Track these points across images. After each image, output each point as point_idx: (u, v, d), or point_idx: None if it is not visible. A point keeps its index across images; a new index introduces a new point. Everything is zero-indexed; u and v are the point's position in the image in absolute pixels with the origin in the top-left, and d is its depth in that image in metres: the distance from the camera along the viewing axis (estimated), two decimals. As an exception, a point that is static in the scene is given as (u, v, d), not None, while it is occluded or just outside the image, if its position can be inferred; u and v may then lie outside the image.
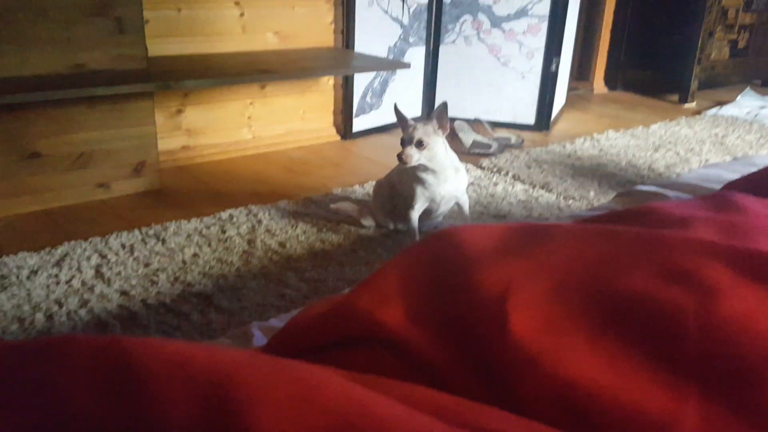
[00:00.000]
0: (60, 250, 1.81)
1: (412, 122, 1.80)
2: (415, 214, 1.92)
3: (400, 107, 1.84)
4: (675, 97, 4.23)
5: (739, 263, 0.64)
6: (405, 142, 1.78)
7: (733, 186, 1.19)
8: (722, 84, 4.55)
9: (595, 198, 2.37)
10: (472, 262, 0.67)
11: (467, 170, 2.62)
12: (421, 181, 1.87)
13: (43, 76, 2.02)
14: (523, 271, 0.65)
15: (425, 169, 1.83)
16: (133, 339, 0.44)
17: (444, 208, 1.98)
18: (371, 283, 0.68)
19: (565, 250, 0.70)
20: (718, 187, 1.43)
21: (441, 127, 1.80)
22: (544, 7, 3.16)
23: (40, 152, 2.08)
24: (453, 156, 1.89)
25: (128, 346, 0.42)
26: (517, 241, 0.73)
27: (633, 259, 0.67)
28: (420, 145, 1.76)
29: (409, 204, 1.91)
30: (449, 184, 1.88)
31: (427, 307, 0.63)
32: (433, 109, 1.82)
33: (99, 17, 2.07)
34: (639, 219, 0.82)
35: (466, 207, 2.00)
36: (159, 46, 2.47)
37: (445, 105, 1.79)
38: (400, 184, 1.97)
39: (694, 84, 4.13)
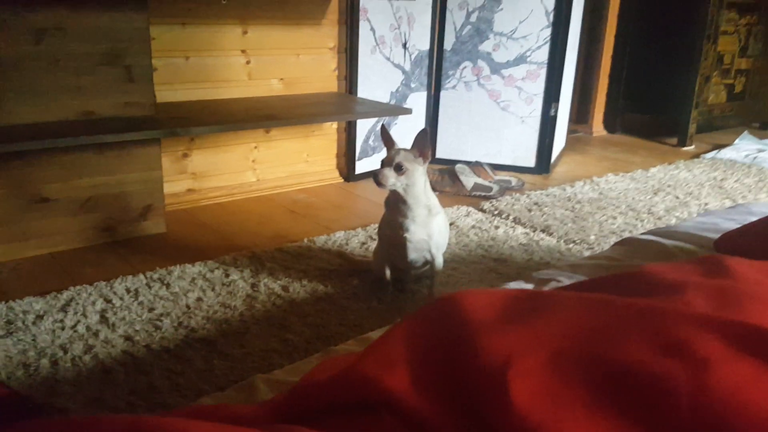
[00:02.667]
0: (65, 295, 1.83)
1: (398, 147, 1.75)
2: (381, 258, 1.87)
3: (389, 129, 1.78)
4: (673, 141, 4.29)
5: (730, 336, 0.66)
6: (384, 164, 1.70)
7: (728, 238, 1.21)
8: (720, 127, 4.61)
9: (595, 242, 2.40)
10: (475, 330, 0.69)
11: (467, 214, 2.65)
12: (386, 213, 1.80)
13: (53, 123, 2.06)
14: (523, 341, 0.67)
15: (396, 201, 1.76)
16: (156, 419, 0.45)
17: (414, 255, 1.83)
18: (377, 349, 0.70)
19: (562, 318, 0.72)
20: (714, 236, 1.46)
21: (422, 155, 1.72)
22: (543, 54, 3.23)
23: (48, 197, 2.12)
24: (432, 196, 1.80)
25: (151, 427, 0.44)
26: (518, 309, 0.75)
27: (628, 329, 0.70)
28: (399, 169, 1.68)
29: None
30: (418, 225, 1.77)
31: (432, 375, 0.65)
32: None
33: (109, 66, 2.12)
34: (632, 284, 0.84)
35: (437, 262, 1.85)
36: (167, 93, 2.53)
37: (425, 132, 1.72)
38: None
39: (692, 127, 4.19)
